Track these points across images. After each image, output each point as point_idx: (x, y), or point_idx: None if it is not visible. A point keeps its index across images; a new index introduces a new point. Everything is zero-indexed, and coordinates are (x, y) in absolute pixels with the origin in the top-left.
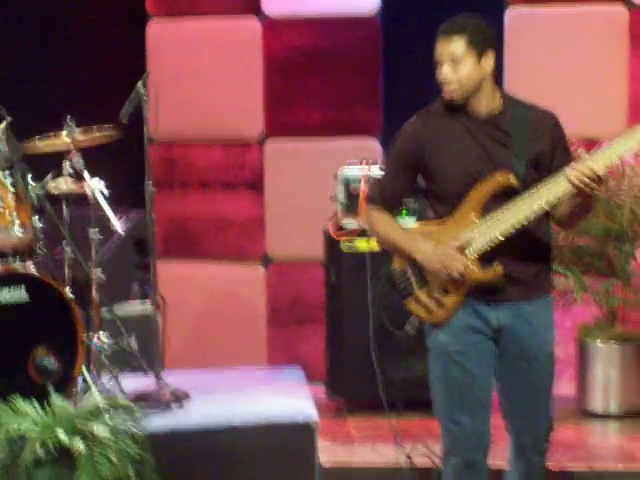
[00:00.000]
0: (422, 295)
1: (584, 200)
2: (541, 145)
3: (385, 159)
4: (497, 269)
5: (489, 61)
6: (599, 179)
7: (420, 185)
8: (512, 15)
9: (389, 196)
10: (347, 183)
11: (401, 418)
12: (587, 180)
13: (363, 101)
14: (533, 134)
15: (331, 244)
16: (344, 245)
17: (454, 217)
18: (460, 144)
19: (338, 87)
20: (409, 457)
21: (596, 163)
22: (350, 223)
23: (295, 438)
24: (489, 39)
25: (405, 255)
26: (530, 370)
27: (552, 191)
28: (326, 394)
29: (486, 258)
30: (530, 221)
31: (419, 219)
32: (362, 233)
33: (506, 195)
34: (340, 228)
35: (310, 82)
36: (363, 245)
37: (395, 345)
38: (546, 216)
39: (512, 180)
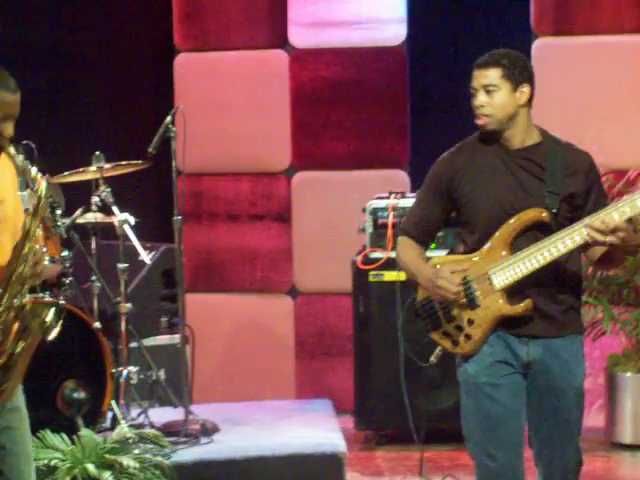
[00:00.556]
0: (449, 327)
1: (611, 252)
2: (575, 183)
3: (419, 189)
4: (527, 303)
5: (524, 94)
6: (612, 231)
7: (453, 217)
8: (540, 45)
9: (420, 225)
10: (375, 215)
11: (429, 450)
12: (597, 235)
13: (390, 132)
14: (568, 171)
15: (359, 276)
16: (372, 276)
17: (483, 250)
18: (493, 176)
19: (365, 118)
20: None
21: (609, 215)
22: (378, 255)
23: (324, 469)
24: (526, 73)
25: (415, 279)
26: (558, 404)
27: (572, 240)
28: (354, 426)
29: (516, 292)
30: (559, 259)
31: (450, 252)
32: (390, 264)
33: (537, 230)
34: (368, 260)
35: (337, 113)
36: (391, 276)
37: (423, 376)
38: (578, 253)
39: (545, 216)
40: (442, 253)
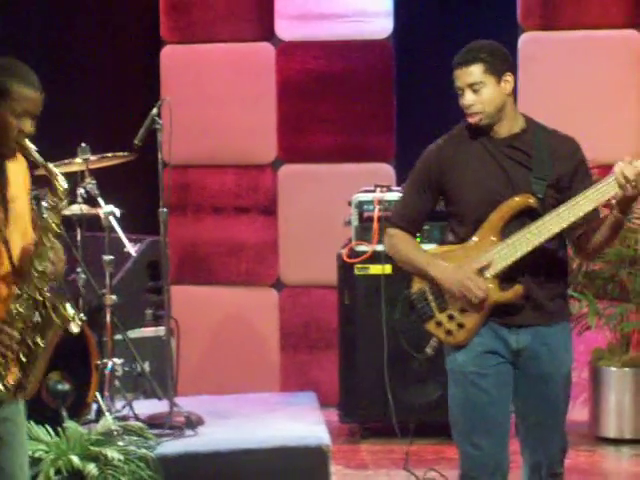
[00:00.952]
0: (442, 317)
1: (614, 226)
2: (562, 168)
3: (406, 181)
4: (517, 289)
5: (509, 82)
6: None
7: (441, 208)
8: (526, 40)
9: (409, 217)
10: (361, 208)
11: (414, 443)
12: (633, 180)
13: (376, 125)
14: (554, 157)
15: (345, 269)
16: (358, 270)
17: (474, 239)
18: (480, 165)
19: (351, 111)
20: None
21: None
22: (364, 248)
23: (308, 462)
24: (506, 61)
25: (423, 274)
26: (547, 390)
27: (573, 212)
28: (339, 419)
29: (506, 279)
30: (549, 241)
31: (439, 243)
32: (376, 258)
33: (526, 216)
34: (354, 253)
35: (323, 106)
36: (377, 270)
37: (409, 369)
38: (564, 244)
39: (531, 202)
40: (429, 246)
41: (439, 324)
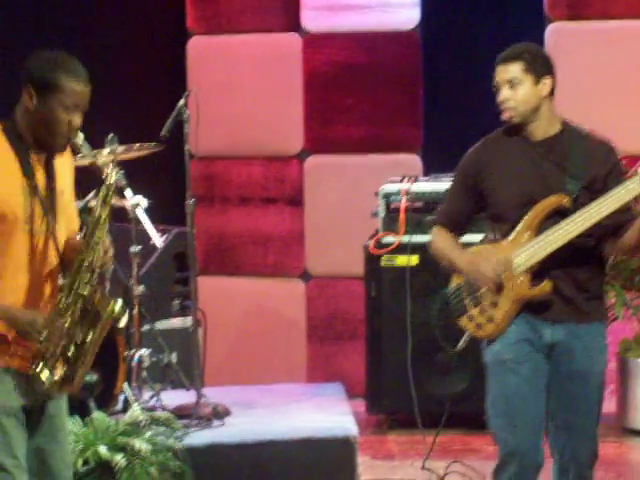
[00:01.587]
0: (474, 312)
1: None
2: (596, 170)
3: (451, 181)
4: (544, 286)
5: (546, 86)
6: None
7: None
8: (553, 30)
9: (450, 217)
10: (388, 199)
11: (441, 434)
12: None
13: (403, 116)
14: (588, 159)
15: (371, 260)
16: (384, 261)
17: (509, 238)
18: (516, 167)
19: (378, 102)
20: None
21: None
22: (390, 239)
23: (335, 453)
24: (547, 65)
25: (456, 269)
26: (578, 389)
27: (600, 210)
28: (366, 410)
29: (539, 275)
30: (584, 239)
31: (481, 242)
32: (402, 249)
33: (561, 216)
34: (380, 244)
35: (350, 97)
36: (403, 261)
37: (435, 361)
38: (601, 242)
39: (565, 201)
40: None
41: (471, 318)
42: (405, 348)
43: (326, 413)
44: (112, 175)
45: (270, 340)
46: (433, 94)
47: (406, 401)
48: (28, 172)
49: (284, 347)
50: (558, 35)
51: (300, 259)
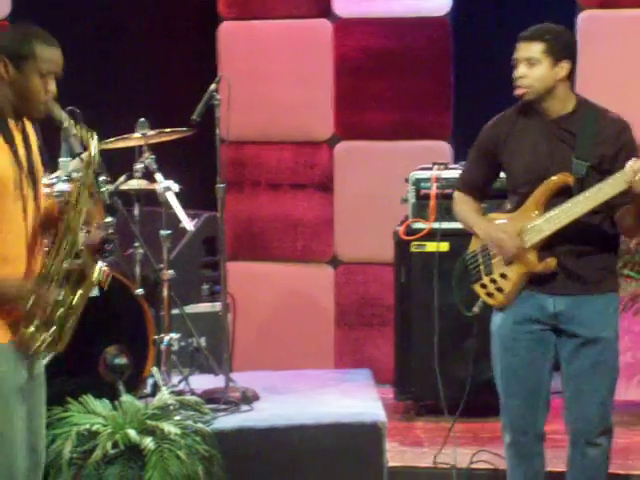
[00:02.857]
0: (486, 280)
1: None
2: (605, 149)
3: (470, 150)
4: (549, 262)
5: (564, 69)
6: None
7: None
8: (585, 18)
9: (470, 182)
10: (418, 186)
11: (468, 421)
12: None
13: (433, 103)
14: (599, 138)
15: (401, 246)
16: (414, 247)
17: (519, 211)
18: (530, 143)
19: (408, 89)
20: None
21: None
22: (421, 225)
23: (363, 439)
24: (568, 49)
25: (473, 231)
26: (585, 354)
27: (603, 190)
28: (394, 396)
29: (546, 250)
30: (592, 216)
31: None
32: (432, 235)
33: (568, 196)
34: (410, 230)
35: (380, 83)
36: (433, 247)
37: (462, 348)
38: (610, 219)
39: (570, 180)
40: None
41: (484, 286)
42: (433, 335)
43: (354, 399)
44: (94, 138)
45: (299, 325)
46: (464, 81)
47: (434, 388)
48: (9, 139)
49: (312, 333)
50: (590, 22)
51: (329, 245)
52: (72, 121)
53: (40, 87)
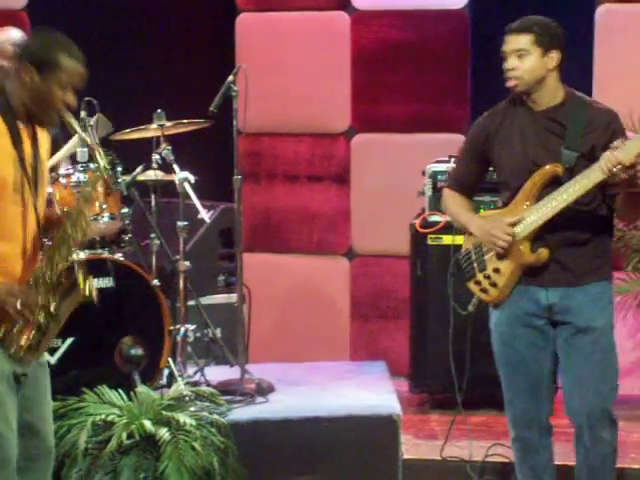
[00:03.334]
0: (480, 276)
1: (628, 192)
2: (595, 139)
3: (460, 147)
4: (541, 253)
5: (553, 59)
6: (628, 168)
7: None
8: (603, 12)
9: (461, 179)
10: (434, 178)
11: (483, 414)
12: (614, 169)
13: (451, 96)
14: (588, 129)
15: (417, 239)
16: (430, 240)
17: (511, 204)
18: (519, 136)
19: (426, 81)
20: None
21: (625, 153)
22: (437, 218)
23: (378, 431)
24: (556, 39)
25: (465, 229)
26: (582, 344)
27: (588, 179)
28: (409, 389)
29: (537, 241)
30: (578, 208)
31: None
32: (448, 228)
33: (559, 185)
34: (427, 223)
35: (398, 76)
36: (449, 240)
37: (477, 341)
38: (605, 207)
39: (559, 171)
40: None
41: (478, 283)
42: (449, 327)
43: (370, 391)
44: (102, 157)
45: (314, 317)
46: (481, 74)
47: (449, 381)
48: (17, 143)
49: (328, 325)
50: (608, 16)
51: (345, 237)
52: (85, 134)
53: (59, 97)
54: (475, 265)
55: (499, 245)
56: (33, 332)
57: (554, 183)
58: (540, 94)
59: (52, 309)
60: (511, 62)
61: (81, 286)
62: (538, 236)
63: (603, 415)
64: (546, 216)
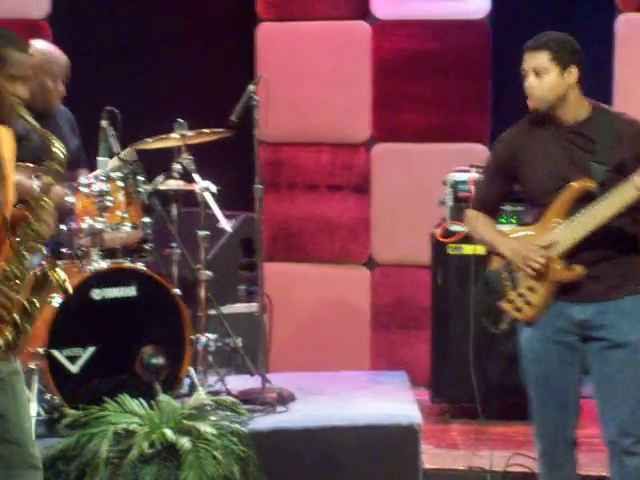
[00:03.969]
0: (513, 295)
1: None
2: (624, 152)
3: (484, 166)
4: (578, 270)
5: (573, 75)
6: None
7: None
8: (624, 21)
9: (485, 199)
10: (455, 188)
11: (504, 424)
12: None
13: (471, 106)
14: (617, 141)
15: (438, 248)
16: (451, 249)
17: (540, 221)
18: (546, 152)
19: (446, 91)
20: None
21: None
22: (458, 228)
23: (399, 441)
24: (574, 54)
25: (495, 251)
26: (613, 358)
27: (622, 197)
28: (430, 398)
29: (571, 258)
30: (609, 223)
31: (519, 224)
32: (470, 238)
33: (590, 200)
34: (448, 232)
35: (418, 85)
36: (470, 249)
37: (498, 351)
38: (635, 221)
39: (590, 186)
40: (509, 226)
41: (511, 301)
42: (470, 337)
43: (390, 401)
44: (59, 149)
45: (334, 327)
46: (502, 84)
47: (470, 390)
48: None
49: (348, 334)
50: (628, 26)
51: (366, 247)
52: (43, 131)
53: (10, 93)
54: (507, 284)
55: (534, 268)
56: (10, 329)
57: (585, 199)
58: (564, 111)
59: (26, 304)
60: (530, 81)
61: (51, 277)
62: (571, 252)
63: (637, 429)
64: (581, 234)
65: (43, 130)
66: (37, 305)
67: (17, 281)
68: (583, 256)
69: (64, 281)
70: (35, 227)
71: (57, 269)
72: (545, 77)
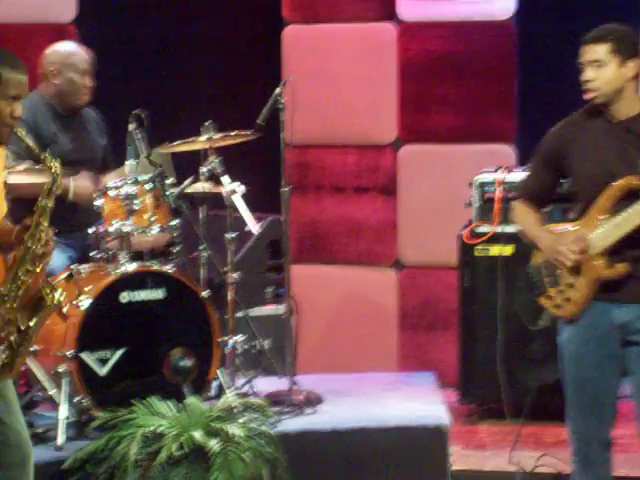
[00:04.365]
0: (553, 291)
1: None
2: None
3: (532, 158)
4: (622, 267)
5: (631, 68)
6: None
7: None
8: None
9: (531, 191)
10: (482, 189)
11: (532, 425)
12: None
13: (498, 107)
14: None
15: (465, 250)
16: (478, 251)
17: (585, 217)
18: (595, 147)
19: (472, 92)
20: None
21: None
22: (485, 229)
23: (427, 442)
24: (633, 48)
25: (534, 244)
26: None
27: None
28: (458, 400)
29: (615, 256)
30: None
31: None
32: (497, 239)
33: (636, 198)
34: (475, 234)
35: (444, 87)
36: (497, 251)
37: (527, 352)
38: None
39: (636, 183)
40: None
41: (550, 298)
42: (498, 338)
43: (418, 402)
44: (57, 166)
45: (362, 328)
46: (528, 85)
47: (499, 391)
48: None
49: (376, 336)
50: None
51: (393, 248)
52: (35, 147)
53: (6, 112)
54: (547, 280)
55: (566, 265)
56: (5, 350)
57: (631, 196)
58: (619, 105)
59: (21, 325)
60: (588, 73)
61: (46, 298)
62: (615, 250)
63: None
64: (622, 232)
65: (37, 151)
66: (32, 326)
67: (12, 303)
68: (627, 254)
69: (60, 302)
70: (30, 246)
71: (54, 290)
72: (603, 69)
